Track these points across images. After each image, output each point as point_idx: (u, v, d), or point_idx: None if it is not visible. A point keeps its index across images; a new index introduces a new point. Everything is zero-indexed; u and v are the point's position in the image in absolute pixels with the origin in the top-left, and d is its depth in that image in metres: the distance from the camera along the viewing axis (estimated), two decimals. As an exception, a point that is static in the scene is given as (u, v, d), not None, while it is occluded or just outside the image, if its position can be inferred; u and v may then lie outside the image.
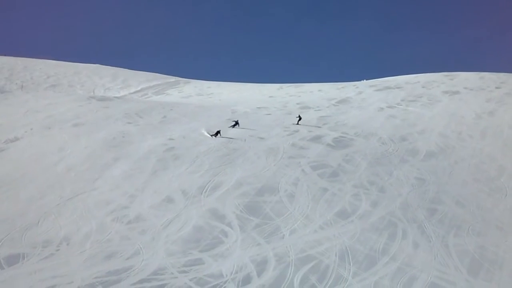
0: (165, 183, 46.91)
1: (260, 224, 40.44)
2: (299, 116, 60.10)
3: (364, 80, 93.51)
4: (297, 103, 75.10)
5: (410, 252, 38.56)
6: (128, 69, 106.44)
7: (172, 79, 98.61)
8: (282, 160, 52.52)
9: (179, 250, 36.40)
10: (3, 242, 37.17)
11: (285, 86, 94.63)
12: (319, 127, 62.68)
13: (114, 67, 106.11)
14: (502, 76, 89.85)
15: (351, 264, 36.13)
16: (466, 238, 41.35)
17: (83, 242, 37.44)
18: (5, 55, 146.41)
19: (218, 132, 55.18)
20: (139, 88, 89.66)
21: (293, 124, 51.58)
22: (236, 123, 59.06)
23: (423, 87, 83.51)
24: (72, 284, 31.58)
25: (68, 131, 61.79)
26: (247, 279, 33.42)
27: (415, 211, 44.61)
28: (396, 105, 73.52)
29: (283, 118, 66.90)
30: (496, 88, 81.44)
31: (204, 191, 45.08)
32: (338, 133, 60.26)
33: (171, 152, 53.81)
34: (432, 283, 35.01)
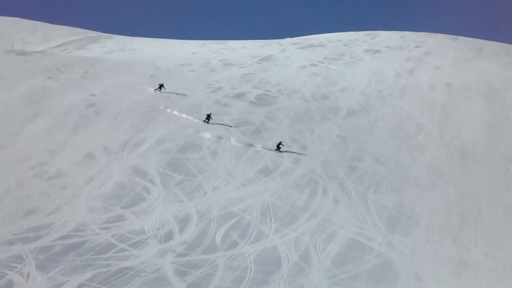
0: (86, 139, 45.95)
1: (182, 181, 40.36)
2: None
3: (288, 38, 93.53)
4: (220, 60, 74.67)
5: (330, 209, 39.23)
6: (49, 23, 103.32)
7: (94, 34, 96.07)
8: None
9: (100, 206, 35.91)
10: None
11: (208, 43, 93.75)
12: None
13: (34, 21, 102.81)
14: (423, 35, 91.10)
15: (273, 221, 36.55)
16: (385, 195, 42.31)
17: (2, 198, 36.32)
18: None
19: (208, 116, 52.58)
20: (60, 43, 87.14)
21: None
22: (161, 86, 57.70)
23: (345, 45, 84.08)
24: (-9, 241, 30.99)
25: (-15, 85, 60.07)
26: (169, 236, 33.44)
27: (336, 168, 45.28)
28: (319, 63, 73.84)
29: (207, 76, 66.54)
30: (416, 47, 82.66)
31: (126, 147, 44.50)
32: (261, 91, 60.27)
33: (92, 108, 52.51)
34: (351, 239, 35.80)
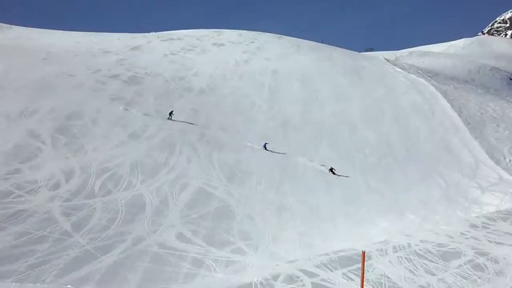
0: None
1: (68, 142, 39.41)
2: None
3: (153, 32, 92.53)
4: (99, 48, 72.80)
5: (185, 165, 39.47)
6: None
7: None
8: (88, 92, 50.98)
9: (1, 161, 34.57)
10: None
11: (88, 34, 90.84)
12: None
13: None
14: (256, 34, 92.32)
15: (140, 174, 36.44)
16: (226, 155, 42.97)
17: None
18: None
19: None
20: None
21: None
22: (171, 113, 53.44)
23: (197, 39, 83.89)
24: None
25: None
26: (57, 185, 32.70)
27: (189, 134, 45.53)
28: (177, 53, 73.38)
29: (89, 60, 64.62)
30: (251, 42, 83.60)
31: (23, 115, 42.82)
32: (131, 73, 59.27)
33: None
34: (200, 188, 36.26)
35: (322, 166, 43.66)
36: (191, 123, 48.15)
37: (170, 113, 48.26)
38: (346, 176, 42.06)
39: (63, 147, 38.82)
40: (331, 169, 42.82)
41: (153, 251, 27.39)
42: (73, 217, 29.57)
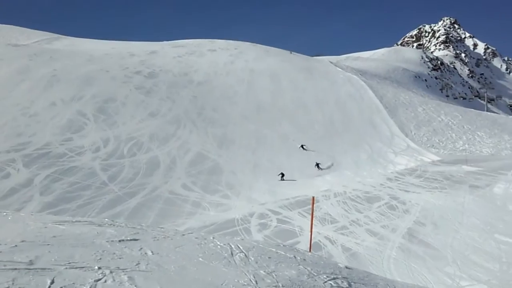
0: (55, 94, 43.37)
1: (105, 119, 39.12)
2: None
3: (165, 41, 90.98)
4: (127, 52, 71.27)
5: (187, 136, 39.37)
6: (31, 28, 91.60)
7: (55, 35, 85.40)
8: (119, 83, 50.40)
9: (58, 132, 34.49)
10: None
11: (120, 42, 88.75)
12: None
13: (21, 27, 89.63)
14: (238, 42, 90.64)
15: (156, 141, 36.40)
16: (217, 128, 42.87)
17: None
18: None
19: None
20: (36, 40, 76.40)
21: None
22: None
23: (195, 46, 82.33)
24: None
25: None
26: (97, 149, 32.75)
27: (191, 114, 45.27)
28: (182, 56, 71.95)
29: (120, 60, 63.29)
30: (235, 49, 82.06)
31: (74, 98, 42.28)
32: (150, 70, 58.08)
33: (55, 76, 48.46)
34: (198, 152, 36.27)
35: (296, 143, 42.44)
36: (192, 106, 47.77)
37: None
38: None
39: (101, 122, 38.63)
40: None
41: (165, 196, 27.54)
42: (109, 172, 29.58)
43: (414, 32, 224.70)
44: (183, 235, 10.01)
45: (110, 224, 9.92)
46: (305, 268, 8.35)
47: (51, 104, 40.63)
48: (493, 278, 17.47)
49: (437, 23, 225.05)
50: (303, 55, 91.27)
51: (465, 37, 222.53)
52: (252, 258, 8.41)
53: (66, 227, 8.82)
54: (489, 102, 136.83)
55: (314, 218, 21.65)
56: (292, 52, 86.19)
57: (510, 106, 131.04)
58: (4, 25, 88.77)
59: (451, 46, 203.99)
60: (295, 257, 9.16)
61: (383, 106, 56.55)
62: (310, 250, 19.11)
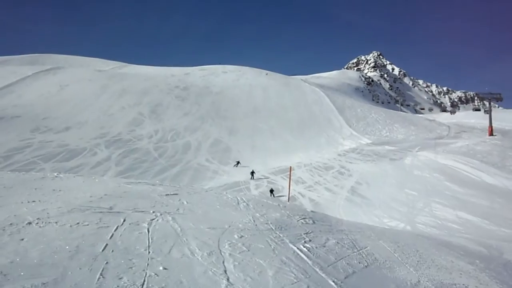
0: (123, 104, 42.46)
1: (156, 117, 38.21)
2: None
3: (194, 67, 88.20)
4: (169, 74, 69.67)
5: (208, 128, 38.58)
6: (105, 59, 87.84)
7: (125, 64, 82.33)
8: (164, 94, 49.32)
9: (126, 126, 33.51)
10: None
11: (164, 68, 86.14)
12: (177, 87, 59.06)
13: (102, 59, 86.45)
14: (242, 67, 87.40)
15: (188, 132, 35.52)
16: (228, 123, 41.92)
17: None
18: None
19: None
20: (111, 67, 73.90)
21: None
22: (238, 163, 41.26)
23: (214, 69, 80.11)
24: None
25: None
26: (151, 136, 31.85)
27: (211, 113, 44.38)
28: (205, 76, 70.24)
29: (164, 79, 61.72)
30: (239, 71, 79.59)
31: (135, 104, 41.38)
32: (184, 85, 56.60)
33: (124, 90, 47.64)
34: (216, 138, 35.41)
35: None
36: (210, 108, 46.93)
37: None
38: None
39: (154, 119, 38.17)
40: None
41: (194, 166, 27.42)
42: (158, 151, 29.36)
43: (354, 60, 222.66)
44: (206, 191, 10.11)
45: (160, 184, 10.01)
46: (285, 212, 8.50)
47: (121, 108, 40.27)
48: (403, 216, 17.79)
49: (369, 54, 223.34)
50: (283, 75, 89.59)
51: (386, 64, 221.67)
52: (251, 206, 8.55)
53: (132, 186, 8.91)
54: (401, 105, 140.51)
55: (291, 180, 21.84)
56: (267, 73, 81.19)
57: (421, 109, 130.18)
58: (92, 58, 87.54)
59: (378, 69, 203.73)
60: (279, 205, 9.30)
61: (335, 108, 56.29)
62: (288, 201, 19.33)
